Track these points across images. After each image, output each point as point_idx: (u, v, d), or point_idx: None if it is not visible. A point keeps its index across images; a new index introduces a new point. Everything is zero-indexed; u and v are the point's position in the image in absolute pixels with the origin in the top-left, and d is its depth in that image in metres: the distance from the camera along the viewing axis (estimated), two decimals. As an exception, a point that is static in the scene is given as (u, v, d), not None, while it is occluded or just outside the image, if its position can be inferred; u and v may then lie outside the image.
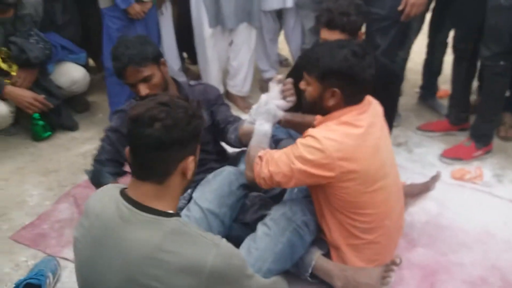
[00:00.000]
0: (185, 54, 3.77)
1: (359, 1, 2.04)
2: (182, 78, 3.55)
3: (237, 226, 1.86)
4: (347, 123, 1.59)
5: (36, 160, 2.80)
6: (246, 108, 3.21)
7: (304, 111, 1.80)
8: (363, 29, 2.13)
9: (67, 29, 3.06)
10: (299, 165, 1.56)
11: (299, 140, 1.61)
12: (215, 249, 1.18)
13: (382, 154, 1.66)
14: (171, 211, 1.24)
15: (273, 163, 1.62)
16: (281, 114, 1.79)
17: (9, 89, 2.66)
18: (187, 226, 1.22)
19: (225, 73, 3.41)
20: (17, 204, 2.41)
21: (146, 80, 1.83)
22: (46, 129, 2.99)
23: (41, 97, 2.77)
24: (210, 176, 1.89)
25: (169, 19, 3.23)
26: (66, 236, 2.19)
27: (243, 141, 1.93)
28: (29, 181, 2.59)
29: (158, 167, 1.20)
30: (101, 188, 1.36)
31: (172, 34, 3.28)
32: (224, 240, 1.24)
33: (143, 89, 1.83)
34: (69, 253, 2.08)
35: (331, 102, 1.60)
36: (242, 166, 1.97)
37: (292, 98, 1.80)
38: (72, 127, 3.08)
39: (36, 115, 2.89)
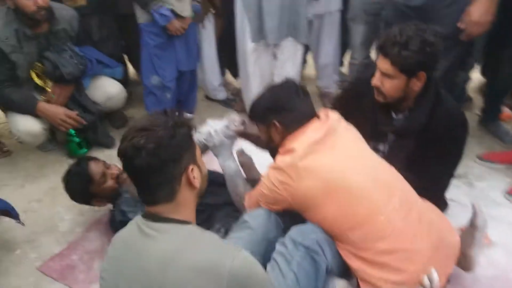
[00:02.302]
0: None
1: (432, 38, 1.75)
2: (222, 94, 3.39)
3: None
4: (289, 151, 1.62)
5: (69, 179, 2.71)
6: None
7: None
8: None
9: (104, 45, 2.95)
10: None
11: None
12: (236, 253, 1.15)
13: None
14: (188, 220, 1.24)
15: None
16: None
17: (42, 106, 2.58)
18: (206, 232, 1.23)
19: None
20: (48, 229, 2.32)
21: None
22: (82, 146, 2.91)
23: (74, 113, 2.67)
24: (246, 217, 1.72)
25: (211, 33, 3.08)
26: (95, 270, 2.08)
27: None
28: (61, 203, 2.50)
29: (162, 189, 1.20)
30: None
31: (213, 48, 3.15)
32: (244, 250, 1.21)
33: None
34: (97, 290, 1.98)
35: (277, 136, 1.69)
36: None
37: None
38: (108, 144, 2.98)
39: (72, 131, 2.80)
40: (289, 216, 1.72)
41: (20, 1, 2.40)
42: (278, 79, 3.00)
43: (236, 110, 3.42)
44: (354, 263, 1.58)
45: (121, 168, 1.87)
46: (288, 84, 1.73)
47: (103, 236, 2.26)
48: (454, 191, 2.34)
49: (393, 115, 1.98)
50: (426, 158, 1.92)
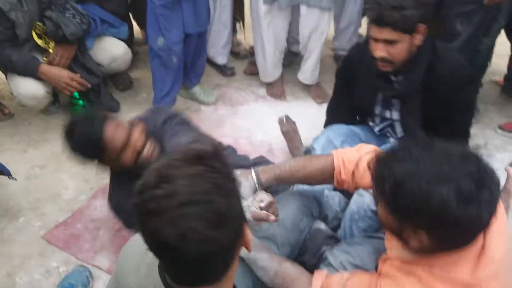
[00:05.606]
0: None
1: None
2: (221, 58, 3.20)
3: None
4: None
5: (74, 144, 2.62)
6: (318, 97, 2.96)
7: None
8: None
9: (108, 2, 2.78)
10: None
11: None
12: None
13: None
14: None
15: None
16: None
17: (44, 68, 2.45)
18: None
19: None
20: (52, 196, 2.26)
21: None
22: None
23: (78, 75, 2.55)
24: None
25: None
26: (100, 239, 2.04)
27: None
28: (65, 170, 2.43)
29: (215, 271, 0.84)
30: (135, 245, 1.06)
31: (229, 9, 2.96)
32: None
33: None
34: (102, 260, 1.95)
35: (413, 243, 1.08)
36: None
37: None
38: (113, 108, 2.86)
39: (76, 94, 2.69)
40: (317, 202, 1.66)
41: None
42: (303, 49, 2.86)
43: (244, 72, 3.28)
44: None
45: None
46: (476, 190, 0.96)
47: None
48: (473, 163, 2.25)
49: (392, 77, 1.88)
50: (438, 118, 1.85)
